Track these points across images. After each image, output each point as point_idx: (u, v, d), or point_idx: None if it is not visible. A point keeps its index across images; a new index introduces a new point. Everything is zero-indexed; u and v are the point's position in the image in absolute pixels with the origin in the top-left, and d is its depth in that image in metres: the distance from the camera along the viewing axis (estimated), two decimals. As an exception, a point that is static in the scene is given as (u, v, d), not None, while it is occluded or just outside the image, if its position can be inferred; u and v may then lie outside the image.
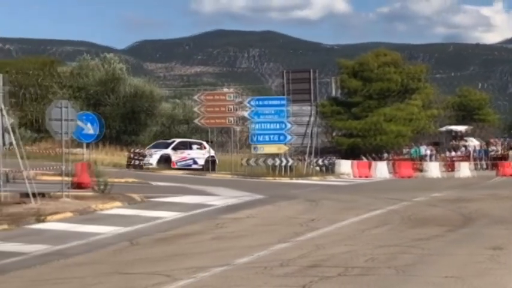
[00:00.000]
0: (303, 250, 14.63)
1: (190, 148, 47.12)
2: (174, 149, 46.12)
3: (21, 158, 22.92)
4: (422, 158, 53.45)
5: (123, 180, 32.25)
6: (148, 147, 48.60)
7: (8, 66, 63.87)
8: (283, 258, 13.66)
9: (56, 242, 16.38)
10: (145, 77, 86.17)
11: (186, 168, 45.13)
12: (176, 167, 44.93)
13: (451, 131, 64.50)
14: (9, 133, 22.58)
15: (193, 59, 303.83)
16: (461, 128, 65.39)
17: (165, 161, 45.15)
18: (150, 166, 44.09)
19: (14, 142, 22.93)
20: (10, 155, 23.42)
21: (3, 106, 22.42)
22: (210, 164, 45.66)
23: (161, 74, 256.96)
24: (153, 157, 44.95)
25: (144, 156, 44.99)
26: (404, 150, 57.20)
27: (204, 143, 47.60)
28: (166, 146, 47.08)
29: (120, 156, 48.22)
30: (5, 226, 18.73)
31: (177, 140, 48.57)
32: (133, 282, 11.66)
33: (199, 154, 46.55)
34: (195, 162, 46.11)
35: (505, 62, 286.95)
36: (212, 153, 47.08)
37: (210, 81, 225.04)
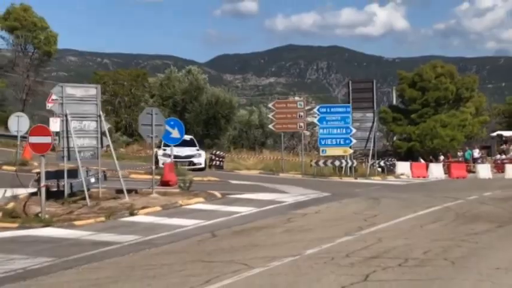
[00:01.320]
0: (366, 243, 14.53)
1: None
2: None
3: (116, 158, 23.28)
4: (474, 160, 52.54)
5: (205, 179, 32.46)
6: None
7: (106, 78, 64.91)
8: (348, 250, 13.59)
9: (146, 233, 16.59)
10: (224, 87, 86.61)
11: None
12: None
13: (500, 135, 63.20)
14: (106, 136, 22.91)
15: (267, 71, 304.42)
16: (510, 133, 64.03)
17: None
18: (200, 166, 39.86)
19: (110, 144, 23.29)
20: (107, 156, 23.77)
21: (101, 113, 22.78)
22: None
23: (238, 84, 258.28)
24: (201, 158, 40.60)
25: (222, 157, 44.95)
26: (458, 153, 56.34)
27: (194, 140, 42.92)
28: (191, 143, 41.15)
29: (202, 157, 48.46)
30: (102, 218, 19.08)
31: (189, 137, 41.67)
32: (214, 269, 11.74)
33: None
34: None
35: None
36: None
37: (282, 91, 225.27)
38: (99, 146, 22.58)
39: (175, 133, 28.45)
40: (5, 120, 40.19)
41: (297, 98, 56.13)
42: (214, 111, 62.74)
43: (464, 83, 60.50)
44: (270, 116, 46.69)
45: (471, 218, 18.98)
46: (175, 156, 33.86)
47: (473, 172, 47.13)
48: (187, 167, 36.10)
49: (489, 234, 15.98)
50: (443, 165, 47.53)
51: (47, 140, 19.64)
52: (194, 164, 38.85)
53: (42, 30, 69.45)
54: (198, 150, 40.93)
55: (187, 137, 38.51)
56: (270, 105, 47.45)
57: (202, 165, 39.73)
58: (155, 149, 32.18)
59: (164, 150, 36.39)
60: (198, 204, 22.60)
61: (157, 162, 33.67)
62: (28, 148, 28.45)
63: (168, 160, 31.64)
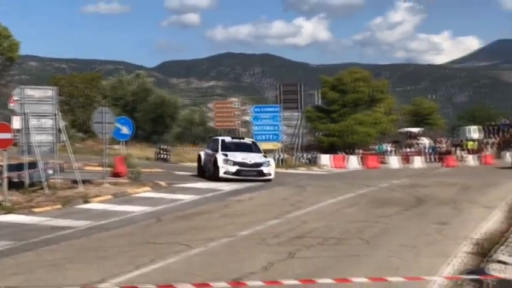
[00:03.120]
0: (292, 225, 14.62)
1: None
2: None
3: (72, 152, 22.89)
4: (385, 153, 53.33)
5: (152, 170, 32.19)
6: (217, 147, 28.25)
7: (63, 81, 63.82)
8: (276, 231, 13.65)
9: (98, 218, 16.35)
10: (169, 89, 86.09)
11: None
12: None
13: (407, 132, 64.32)
14: (62, 133, 22.56)
15: (208, 75, 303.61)
16: (415, 130, 65.19)
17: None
18: (270, 177, 27.02)
19: (66, 140, 22.90)
20: (63, 150, 23.38)
21: (57, 112, 22.39)
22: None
23: (182, 87, 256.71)
24: (270, 167, 27.46)
25: (167, 151, 44.41)
26: (371, 147, 57.10)
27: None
28: (251, 148, 28.81)
29: (148, 151, 48.01)
30: (59, 206, 18.71)
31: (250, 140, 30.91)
32: (159, 250, 11.65)
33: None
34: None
35: (451, 79, 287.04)
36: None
37: (221, 93, 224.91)
38: (56, 141, 22.21)
39: (125, 130, 28.18)
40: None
41: (234, 99, 56.08)
42: (160, 111, 62.36)
43: (377, 86, 61.36)
44: (210, 114, 46.56)
45: (382, 202, 19.27)
46: (241, 164, 26.40)
47: (385, 163, 47.85)
48: (253, 178, 26.24)
49: (397, 216, 16.26)
50: (360, 157, 48.10)
51: (8, 136, 19.21)
52: (263, 175, 26.76)
53: (6, 38, 67.79)
54: (265, 157, 28.61)
55: (248, 141, 30.16)
56: (210, 105, 47.35)
57: (272, 176, 27.09)
58: (214, 154, 26.61)
59: (225, 156, 26.80)
60: (145, 192, 22.37)
61: (217, 170, 26.27)
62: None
63: (233, 169, 25.92)
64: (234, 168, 26.34)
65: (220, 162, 26.51)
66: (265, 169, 27.03)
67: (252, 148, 28.67)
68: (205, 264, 10.41)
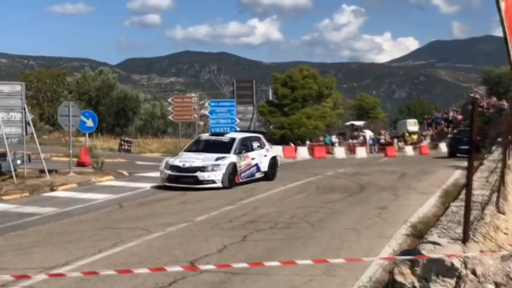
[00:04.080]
0: (245, 210, 14.66)
1: (252, 148, 22.08)
2: (239, 152, 21.18)
3: (39, 144, 22.53)
4: (332, 144, 53.75)
5: (115, 160, 31.87)
6: (187, 147, 22.70)
7: (31, 77, 62.75)
8: (231, 216, 13.68)
9: (64, 205, 16.14)
10: (132, 85, 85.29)
11: (249, 181, 21.25)
12: (240, 181, 20.70)
13: (352, 125, 64.87)
14: (30, 125, 22.21)
15: (168, 72, 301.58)
16: (359, 123, 65.78)
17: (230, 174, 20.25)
18: (214, 185, 19.61)
19: (33, 132, 22.54)
20: (32, 141, 23.02)
21: (25, 106, 22.03)
22: (270, 169, 22.53)
23: (144, 83, 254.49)
24: (217, 172, 19.79)
25: (130, 142, 44.03)
26: (320, 139, 57.50)
27: (262, 138, 23.97)
28: (227, 147, 21.18)
29: (112, 143, 47.56)
30: (27, 194, 18.41)
31: (238, 136, 22.35)
32: (120, 234, 11.57)
33: (261, 156, 22.30)
34: (258, 169, 21.92)
35: (392, 76, 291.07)
36: (272, 151, 24.20)
37: (181, 89, 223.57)
38: (24, 133, 21.87)
39: (89, 123, 27.86)
40: None
41: (192, 94, 55.79)
42: (123, 105, 61.83)
43: (324, 83, 61.69)
44: (169, 108, 46.27)
45: (328, 189, 19.45)
46: (176, 169, 19.83)
47: (332, 153, 48.23)
48: (189, 186, 19.48)
49: (341, 201, 16.43)
50: (308, 148, 48.36)
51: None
52: (199, 182, 19.57)
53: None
54: (224, 158, 20.28)
55: (226, 138, 21.95)
56: (169, 100, 46.99)
57: (218, 184, 19.62)
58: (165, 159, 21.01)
59: (172, 158, 21.03)
60: (108, 181, 22.13)
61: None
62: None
63: (166, 174, 19.71)
64: (167, 173, 19.94)
65: (161, 166, 20.58)
66: (203, 175, 19.52)
67: (228, 147, 21.02)
68: (164, 248, 10.38)
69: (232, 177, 20.03)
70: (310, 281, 8.07)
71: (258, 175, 21.72)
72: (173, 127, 60.26)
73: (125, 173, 24.50)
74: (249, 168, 21.30)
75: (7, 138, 21.21)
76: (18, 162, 21.77)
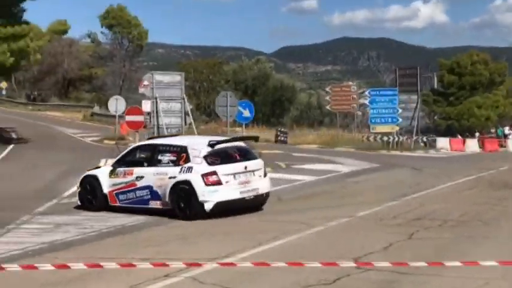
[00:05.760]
0: (410, 207, 14.41)
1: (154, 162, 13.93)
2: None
3: (197, 134, 23.52)
4: (504, 136, 51.21)
5: (271, 151, 32.48)
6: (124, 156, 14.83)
7: (188, 67, 65.58)
8: (394, 212, 13.50)
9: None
10: (287, 74, 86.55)
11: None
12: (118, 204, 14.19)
13: (529, 115, 61.42)
14: (189, 116, 23.24)
15: (324, 60, 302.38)
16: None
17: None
18: None
19: (192, 122, 23.57)
20: (189, 132, 24.01)
21: (184, 96, 23.10)
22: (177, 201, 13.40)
23: (300, 72, 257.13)
24: None
25: (286, 133, 44.56)
26: (491, 130, 55.03)
27: (196, 150, 13.62)
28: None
29: (268, 134, 48.48)
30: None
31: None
32: (280, 228, 11.79)
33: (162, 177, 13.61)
34: (154, 196, 13.67)
35: None
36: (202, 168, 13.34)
37: (337, 77, 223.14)
38: (183, 123, 22.92)
39: (246, 113, 28.58)
40: (105, 102, 41.14)
41: (350, 83, 55.53)
42: (279, 95, 62.89)
43: (496, 69, 59.00)
44: (327, 98, 46.40)
45: (502, 185, 18.61)
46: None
47: (504, 147, 45.99)
48: None
49: (518, 199, 15.65)
50: (478, 141, 46.47)
51: (140, 118, 20.09)
52: None
53: (135, 27, 70.66)
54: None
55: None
56: (327, 89, 47.15)
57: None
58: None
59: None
60: (266, 173, 22.56)
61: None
62: (124, 125, 28.95)
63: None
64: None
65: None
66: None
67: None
68: (326, 243, 10.46)
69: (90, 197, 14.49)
70: (486, 284, 7.76)
71: (152, 204, 13.82)
72: (330, 117, 60.33)
73: (282, 164, 24.90)
74: (133, 190, 14.07)
75: (167, 128, 22.32)
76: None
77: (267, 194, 14.32)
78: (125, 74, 69.06)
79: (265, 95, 62.38)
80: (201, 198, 13.03)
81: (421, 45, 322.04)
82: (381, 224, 12.16)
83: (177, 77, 23.25)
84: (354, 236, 10.95)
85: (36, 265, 8.80)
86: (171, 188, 13.33)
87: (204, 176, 13.08)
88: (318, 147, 39.79)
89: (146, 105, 23.46)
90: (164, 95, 22.35)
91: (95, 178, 14.48)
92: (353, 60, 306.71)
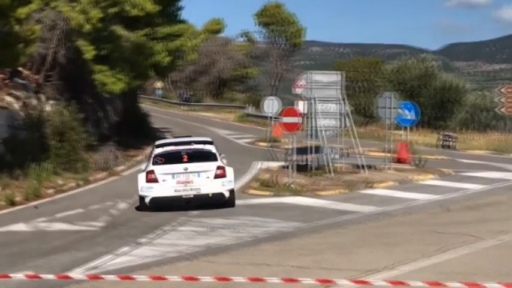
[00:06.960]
0: None
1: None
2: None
3: (354, 137, 23.38)
4: None
5: (433, 157, 31.56)
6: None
7: (346, 66, 65.51)
8: None
9: (382, 204, 16.54)
10: (453, 73, 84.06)
11: None
12: None
13: None
14: (349, 118, 23.16)
15: (496, 58, 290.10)
16: None
17: None
18: None
19: (352, 125, 23.45)
20: (346, 135, 23.91)
21: (345, 96, 23.07)
22: None
23: (469, 70, 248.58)
24: None
25: (451, 137, 43.20)
26: None
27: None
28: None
29: (431, 138, 47.13)
30: (342, 190, 19.28)
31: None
32: (444, 239, 11.44)
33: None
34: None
35: None
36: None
37: (507, 77, 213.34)
38: (341, 125, 22.85)
39: (408, 115, 27.94)
40: (258, 102, 41.87)
41: (526, 83, 52.77)
42: (443, 96, 61.25)
43: None
44: (496, 100, 44.40)
45: None
46: None
47: None
48: None
49: None
50: None
51: (295, 120, 20.29)
52: None
53: (292, 24, 71.57)
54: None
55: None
56: (498, 89, 45.13)
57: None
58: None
59: None
60: (429, 180, 22.03)
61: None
62: (277, 127, 29.30)
63: None
64: None
65: None
66: None
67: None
68: (500, 259, 9.94)
69: None
70: None
71: None
72: (504, 121, 57.74)
73: (446, 171, 24.12)
74: None
75: (323, 130, 22.34)
76: (336, 156, 22.80)
77: (217, 195, 15.54)
78: (278, 74, 70.19)
79: (428, 96, 60.98)
80: (140, 193, 15.74)
81: None
82: None
83: (334, 77, 23.23)
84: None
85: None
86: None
87: (146, 173, 15.78)
88: (487, 153, 38.18)
89: (300, 106, 23.67)
90: (321, 95, 22.39)
91: None
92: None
